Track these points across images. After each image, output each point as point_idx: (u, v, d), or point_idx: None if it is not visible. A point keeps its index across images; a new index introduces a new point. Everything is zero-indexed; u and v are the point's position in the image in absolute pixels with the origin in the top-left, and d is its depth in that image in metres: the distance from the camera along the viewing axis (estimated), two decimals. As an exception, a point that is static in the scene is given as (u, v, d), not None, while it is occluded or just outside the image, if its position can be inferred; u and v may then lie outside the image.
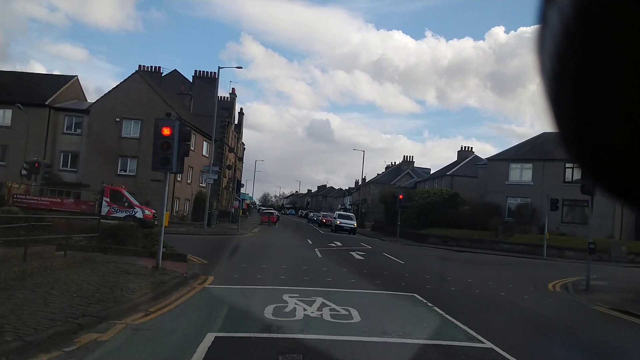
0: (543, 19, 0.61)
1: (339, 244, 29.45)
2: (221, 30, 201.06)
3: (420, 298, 11.84)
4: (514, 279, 18.98)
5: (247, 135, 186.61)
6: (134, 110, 38.32)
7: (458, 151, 62.90)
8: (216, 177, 36.99)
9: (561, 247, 33.22)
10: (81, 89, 43.11)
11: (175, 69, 54.74)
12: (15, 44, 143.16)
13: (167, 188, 13.85)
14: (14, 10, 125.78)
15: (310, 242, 29.08)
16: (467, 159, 59.31)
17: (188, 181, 42.81)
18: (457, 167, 57.90)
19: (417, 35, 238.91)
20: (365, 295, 11.96)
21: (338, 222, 49.10)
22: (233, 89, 61.43)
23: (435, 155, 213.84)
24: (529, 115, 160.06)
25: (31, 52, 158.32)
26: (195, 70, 53.44)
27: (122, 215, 28.75)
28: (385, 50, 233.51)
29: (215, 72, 54.10)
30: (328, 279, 13.97)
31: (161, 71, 52.44)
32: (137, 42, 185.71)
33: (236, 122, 63.81)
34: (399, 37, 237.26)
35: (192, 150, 43.26)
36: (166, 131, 13.32)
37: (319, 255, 21.10)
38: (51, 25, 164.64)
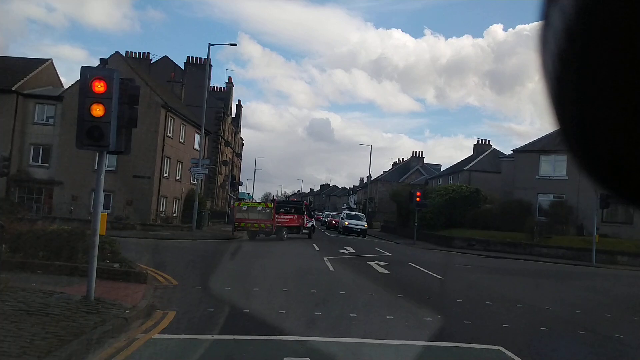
0: (545, 18, 0.60)
1: (351, 250, 24.57)
2: (219, 31, 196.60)
3: (514, 356, 6.99)
4: (596, 300, 14.11)
5: (247, 134, 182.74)
6: (114, 96, 33.40)
7: (475, 144, 57.88)
8: (206, 172, 32.14)
9: (612, 252, 28.32)
10: (56, 74, 38.12)
11: (165, 55, 49.75)
12: (15, 45, 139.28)
13: (101, 177, 8.94)
14: (11, 11, 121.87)
15: (317, 248, 24.19)
16: (486, 153, 54.36)
17: (177, 177, 37.84)
18: (475, 161, 52.90)
19: (416, 33, 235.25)
20: (422, 352, 7.08)
21: (346, 222, 43.08)
22: (230, 77, 56.37)
23: (437, 154, 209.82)
24: (529, 114, 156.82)
25: (31, 53, 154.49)
26: (188, 57, 48.49)
27: (310, 225, 32.11)
28: (385, 49, 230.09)
29: (210, 59, 49.42)
30: (352, 314, 9.09)
31: (150, 58, 47.62)
32: (134, 42, 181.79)
33: (233, 114, 58.90)
34: (398, 36, 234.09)
35: (181, 142, 38.37)
36: (99, 86, 8.46)
37: (331, 269, 16.22)
38: (50, 27, 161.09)
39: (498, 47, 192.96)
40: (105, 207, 34.03)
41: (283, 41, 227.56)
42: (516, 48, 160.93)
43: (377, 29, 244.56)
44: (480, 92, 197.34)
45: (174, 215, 37.29)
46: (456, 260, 23.80)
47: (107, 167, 34.64)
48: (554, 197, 36.87)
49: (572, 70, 0.58)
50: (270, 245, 25.31)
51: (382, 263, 18.73)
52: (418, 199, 35.35)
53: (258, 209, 30.74)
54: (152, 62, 47.35)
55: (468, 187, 42.97)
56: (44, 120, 34.40)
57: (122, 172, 33.50)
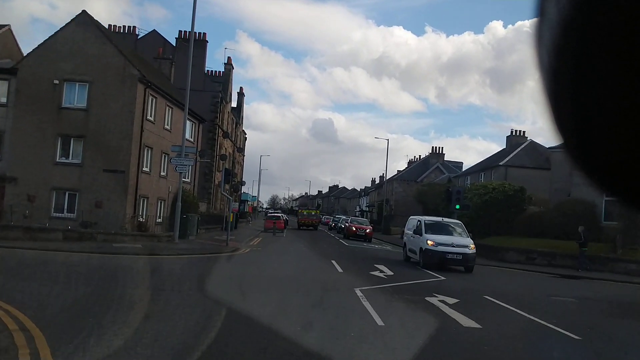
0: (541, 13, 0.61)
1: (386, 271, 17.51)
2: (221, 29, 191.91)
3: None
4: None
5: (250, 136, 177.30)
6: (80, 68, 26.46)
7: (507, 136, 50.48)
8: (192, 164, 25.19)
9: None
10: (16, 44, 31.33)
11: (154, 29, 42.85)
12: (21, 44, 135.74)
13: None
14: (15, 8, 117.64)
15: (340, 269, 17.18)
16: (522, 146, 46.99)
17: (162, 173, 30.71)
18: (511, 155, 45.54)
19: (418, 31, 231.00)
20: None
21: (429, 242, 19.79)
22: (229, 58, 49.28)
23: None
24: (530, 113, 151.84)
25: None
26: (180, 31, 41.49)
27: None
28: (387, 47, 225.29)
29: (205, 33, 42.64)
30: None
31: (137, 32, 40.83)
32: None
33: (234, 103, 51.99)
34: (400, 33, 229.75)
35: (167, 129, 31.30)
36: None
37: (376, 319, 9.09)
38: (54, 26, 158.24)
39: (498, 43, 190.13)
40: (70, 210, 27.22)
41: (285, 39, 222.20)
42: (516, 45, 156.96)
43: (379, 26, 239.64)
44: (482, 90, 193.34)
45: (158, 220, 30.31)
46: (540, 286, 16.84)
47: (71, 158, 28.10)
48: (626, 197, 29.74)
49: (567, 65, 0.57)
50: (275, 261, 18.36)
51: (448, 300, 11.73)
52: (458, 199, 28.30)
53: (312, 213, 53.24)
54: (138, 37, 40.59)
55: (512, 185, 35.91)
56: (-6, 99, 27.63)
57: (90, 165, 26.67)
